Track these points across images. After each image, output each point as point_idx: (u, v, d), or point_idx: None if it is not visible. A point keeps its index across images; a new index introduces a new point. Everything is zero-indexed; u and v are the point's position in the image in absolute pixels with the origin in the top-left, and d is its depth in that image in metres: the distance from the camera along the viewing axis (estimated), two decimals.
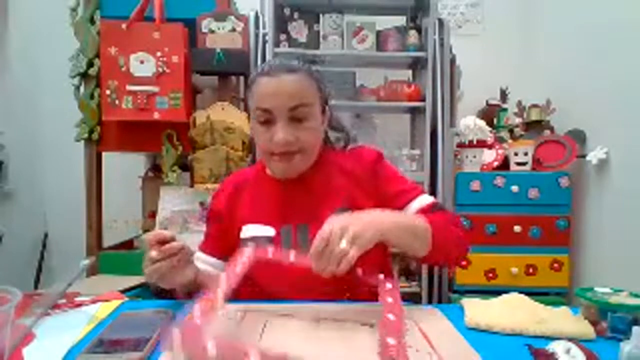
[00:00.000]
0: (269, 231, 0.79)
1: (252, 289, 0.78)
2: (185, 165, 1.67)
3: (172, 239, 0.66)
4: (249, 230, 0.80)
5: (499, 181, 1.82)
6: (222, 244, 0.84)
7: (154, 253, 0.64)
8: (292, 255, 0.62)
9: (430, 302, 1.81)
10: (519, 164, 1.88)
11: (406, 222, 0.68)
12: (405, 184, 0.83)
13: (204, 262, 0.84)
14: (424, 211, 0.77)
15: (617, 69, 1.70)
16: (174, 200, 1.61)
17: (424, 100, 1.83)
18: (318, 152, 0.82)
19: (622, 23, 1.68)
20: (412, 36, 1.87)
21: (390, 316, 0.51)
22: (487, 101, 2.17)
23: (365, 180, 0.81)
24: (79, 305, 0.68)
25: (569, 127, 1.93)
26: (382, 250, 0.82)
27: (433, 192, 1.81)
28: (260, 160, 0.91)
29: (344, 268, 0.56)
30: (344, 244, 0.56)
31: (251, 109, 0.80)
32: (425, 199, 0.80)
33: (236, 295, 0.78)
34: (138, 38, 1.52)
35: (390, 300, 0.56)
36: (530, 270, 1.81)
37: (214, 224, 0.87)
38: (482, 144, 1.90)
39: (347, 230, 0.58)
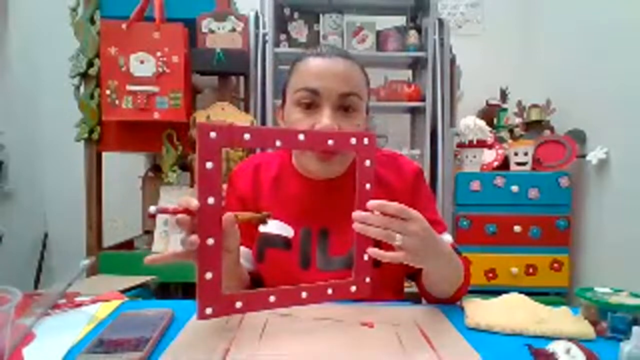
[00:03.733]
0: (288, 231, 0.73)
1: None
2: (185, 165, 1.67)
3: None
4: (269, 225, 0.71)
5: (499, 181, 1.82)
6: (246, 230, 0.74)
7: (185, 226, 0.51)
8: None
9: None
10: (519, 164, 1.88)
11: (452, 268, 0.65)
12: (437, 214, 0.78)
13: None
14: None
15: (617, 69, 1.70)
16: (174, 200, 1.60)
17: (424, 100, 1.83)
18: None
19: (622, 23, 1.68)
20: (412, 36, 1.87)
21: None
22: (487, 101, 2.17)
23: (403, 195, 0.73)
24: (79, 305, 0.68)
25: (569, 127, 1.93)
26: (402, 273, 0.77)
27: (433, 192, 1.81)
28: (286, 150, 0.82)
29: (382, 255, 0.54)
30: (399, 240, 0.53)
31: (290, 92, 0.71)
32: (448, 238, 0.75)
33: None
34: (138, 38, 1.52)
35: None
36: (530, 270, 1.81)
37: (237, 207, 0.77)
38: (482, 144, 1.90)
39: (418, 236, 0.54)
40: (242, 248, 0.75)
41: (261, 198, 0.77)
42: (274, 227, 0.74)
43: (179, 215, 0.50)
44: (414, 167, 0.79)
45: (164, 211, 0.51)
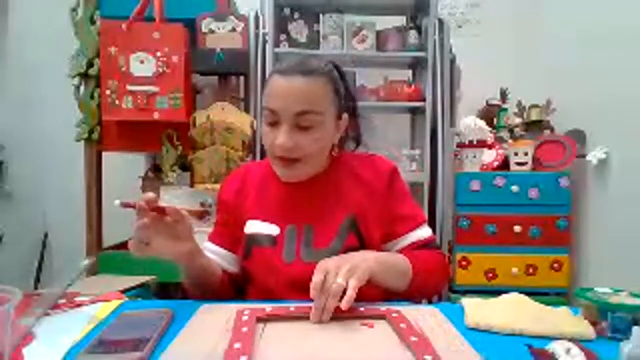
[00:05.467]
0: (273, 230, 0.78)
1: (255, 290, 0.80)
2: (185, 165, 1.67)
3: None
4: (254, 226, 0.80)
5: (499, 181, 1.82)
6: (229, 234, 0.83)
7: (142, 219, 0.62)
8: (292, 307, 0.63)
9: (430, 302, 1.80)
10: (519, 164, 1.88)
11: (391, 262, 0.72)
12: (413, 209, 0.84)
13: (212, 252, 0.83)
14: (419, 245, 0.81)
15: (617, 69, 1.70)
16: (174, 200, 1.60)
17: (424, 100, 1.83)
18: (327, 156, 0.81)
19: (622, 24, 1.68)
20: (412, 36, 1.87)
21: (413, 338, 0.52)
22: (487, 101, 2.17)
23: (379, 193, 0.81)
24: (79, 305, 0.68)
25: (569, 127, 1.93)
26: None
27: (433, 192, 1.81)
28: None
29: (350, 298, 0.58)
30: (340, 280, 0.60)
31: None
32: (424, 233, 0.83)
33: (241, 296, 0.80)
34: (138, 38, 1.52)
35: (403, 326, 0.56)
36: (530, 270, 1.81)
37: (221, 213, 0.86)
38: (482, 144, 1.90)
39: (340, 269, 0.62)
40: (222, 250, 0.83)
41: (245, 203, 0.83)
42: (260, 227, 0.80)
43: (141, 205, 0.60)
44: (389, 165, 0.84)
45: (127, 205, 0.61)
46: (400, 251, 0.79)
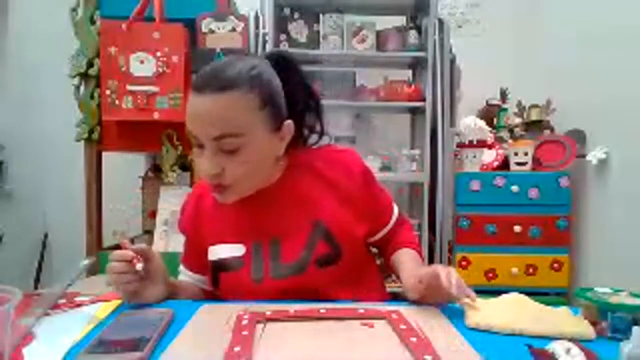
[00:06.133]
0: (238, 250, 0.73)
1: None
2: (185, 165, 1.67)
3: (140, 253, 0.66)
4: (217, 252, 0.75)
5: (499, 181, 1.82)
6: (196, 258, 0.80)
7: (115, 264, 0.64)
8: (292, 309, 0.62)
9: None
10: (519, 164, 1.88)
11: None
12: (386, 197, 0.85)
13: (187, 276, 0.83)
14: (399, 223, 0.85)
15: (617, 69, 1.70)
16: (174, 200, 1.61)
17: (424, 100, 1.83)
18: (275, 166, 0.74)
19: (622, 24, 1.68)
20: (412, 36, 1.87)
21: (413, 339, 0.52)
22: (487, 101, 2.17)
23: (354, 195, 0.76)
24: (79, 305, 0.68)
25: (569, 127, 1.93)
26: (365, 264, 0.83)
27: (433, 192, 1.81)
28: None
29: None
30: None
31: None
32: (396, 211, 0.86)
33: None
34: (138, 38, 1.52)
35: (403, 326, 0.56)
36: (530, 270, 1.81)
37: (185, 237, 0.83)
38: (482, 144, 1.90)
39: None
40: (195, 275, 0.82)
41: (203, 229, 0.78)
42: (223, 251, 0.75)
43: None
44: (360, 166, 0.78)
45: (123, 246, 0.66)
46: (392, 234, 0.84)
